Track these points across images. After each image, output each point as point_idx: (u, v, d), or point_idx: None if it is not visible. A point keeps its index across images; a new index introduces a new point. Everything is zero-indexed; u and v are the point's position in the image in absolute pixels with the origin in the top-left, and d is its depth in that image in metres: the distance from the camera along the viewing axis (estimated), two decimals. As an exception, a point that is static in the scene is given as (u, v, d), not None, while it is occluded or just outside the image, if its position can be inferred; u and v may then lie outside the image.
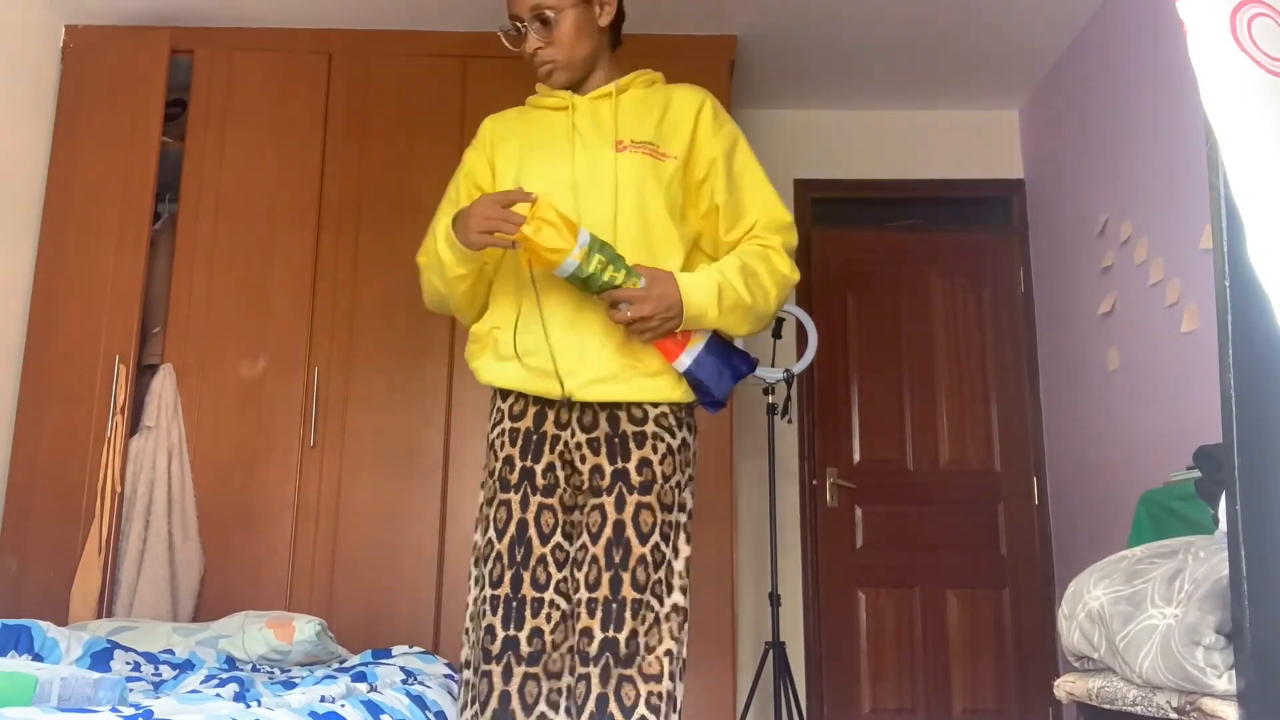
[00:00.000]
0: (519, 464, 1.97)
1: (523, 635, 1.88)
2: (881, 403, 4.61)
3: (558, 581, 1.92)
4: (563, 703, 1.89)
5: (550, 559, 1.93)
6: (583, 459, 1.96)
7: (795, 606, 4.41)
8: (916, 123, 4.84)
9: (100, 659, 2.68)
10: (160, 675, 2.71)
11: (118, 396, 3.75)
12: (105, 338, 3.82)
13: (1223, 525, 1.84)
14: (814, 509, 4.50)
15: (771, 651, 3.77)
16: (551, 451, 1.97)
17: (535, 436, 1.98)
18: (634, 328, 1.88)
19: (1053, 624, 4.31)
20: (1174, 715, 1.73)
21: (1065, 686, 2.10)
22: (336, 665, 3.06)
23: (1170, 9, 3.24)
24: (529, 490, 1.95)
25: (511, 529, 1.93)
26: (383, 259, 3.96)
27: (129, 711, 1.82)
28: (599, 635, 1.85)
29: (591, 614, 1.87)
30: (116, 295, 3.85)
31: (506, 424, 2.00)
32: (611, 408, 1.96)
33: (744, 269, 1.97)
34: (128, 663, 2.72)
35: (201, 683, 2.51)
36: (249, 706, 1.99)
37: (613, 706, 1.82)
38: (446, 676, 2.96)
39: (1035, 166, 4.68)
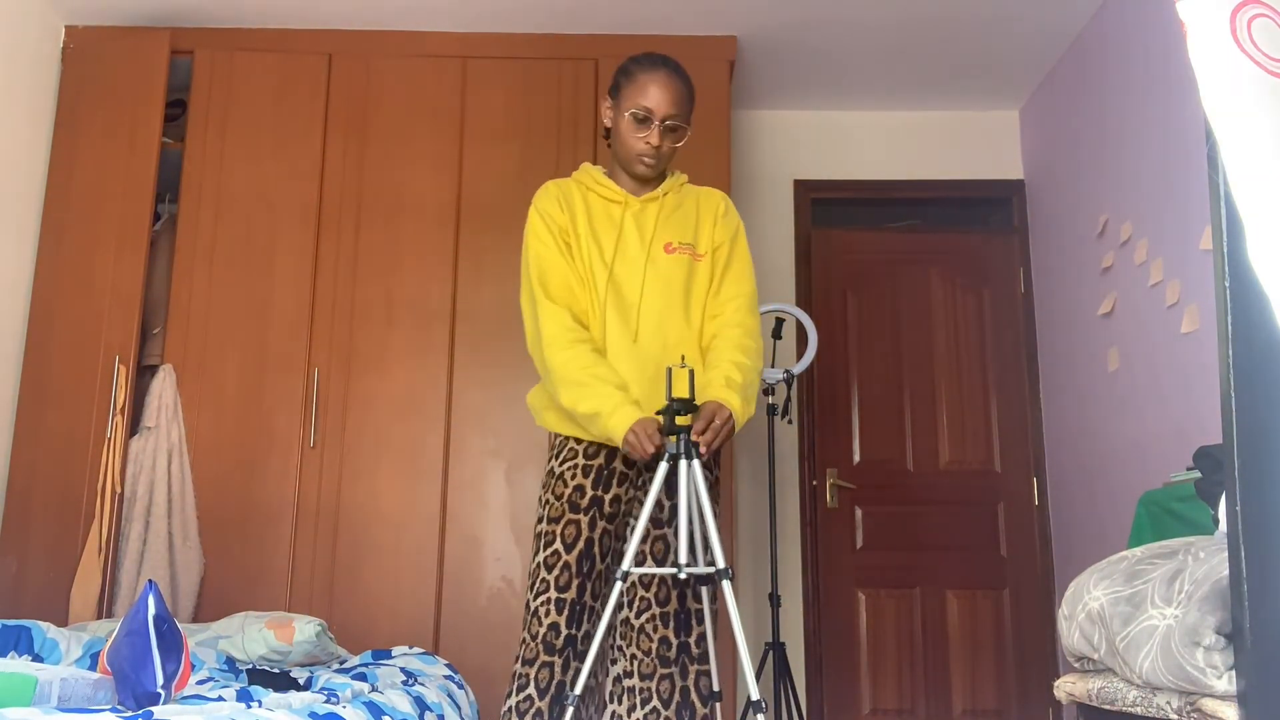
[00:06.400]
0: (590, 492, 2.33)
1: (579, 635, 2.23)
2: (881, 403, 4.61)
3: (602, 594, 2.32)
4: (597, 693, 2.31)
5: (603, 575, 2.32)
6: (647, 492, 2.32)
7: (795, 607, 4.40)
8: (916, 123, 4.84)
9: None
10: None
11: (118, 397, 3.74)
12: (105, 338, 3.82)
13: (1223, 526, 1.84)
14: (814, 509, 4.50)
15: (772, 652, 3.77)
16: (619, 485, 2.35)
17: (606, 471, 2.35)
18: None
19: (1053, 624, 4.31)
20: (1174, 716, 1.73)
21: (1065, 687, 2.10)
22: (337, 666, 3.05)
23: (1169, 10, 3.24)
24: (596, 515, 2.32)
25: (580, 545, 2.29)
26: (383, 259, 3.96)
27: (129, 712, 1.82)
28: (675, 641, 2.29)
29: (666, 624, 2.30)
30: (116, 296, 3.85)
31: (580, 460, 2.35)
32: None
33: (744, 373, 2.33)
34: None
35: (199, 683, 2.50)
36: (249, 707, 1.98)
37: (694, 696, 2.29)
38: (446, 678, 2.96)
39: (1035, 166, 4.68)
